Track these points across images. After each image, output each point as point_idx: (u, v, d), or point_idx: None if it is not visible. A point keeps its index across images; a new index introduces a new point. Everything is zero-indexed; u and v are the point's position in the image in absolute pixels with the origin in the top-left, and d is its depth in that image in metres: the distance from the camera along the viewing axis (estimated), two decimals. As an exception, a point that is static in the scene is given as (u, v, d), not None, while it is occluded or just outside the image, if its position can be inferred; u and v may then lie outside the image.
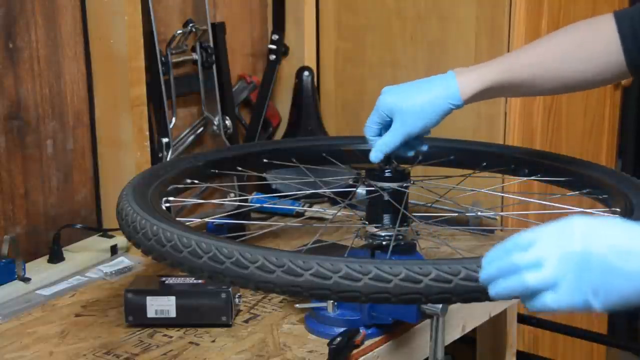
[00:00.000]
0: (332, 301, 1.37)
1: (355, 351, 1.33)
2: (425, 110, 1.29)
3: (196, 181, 1.50)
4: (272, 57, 2.06)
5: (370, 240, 1.36)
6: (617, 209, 1.30)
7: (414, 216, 1.38)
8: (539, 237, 0.90)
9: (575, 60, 1.28)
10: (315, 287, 1.02)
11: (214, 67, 1.90)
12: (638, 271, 0.85)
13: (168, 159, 1.80)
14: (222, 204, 1.88)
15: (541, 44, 1.32)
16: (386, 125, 1.34)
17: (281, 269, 1.02)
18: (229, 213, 1.83)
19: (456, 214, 1.62)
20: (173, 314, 1.41)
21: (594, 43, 1.28)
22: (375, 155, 1.34)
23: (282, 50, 2.07)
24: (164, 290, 1.43)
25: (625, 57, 1.26)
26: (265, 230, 1.71)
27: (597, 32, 1.29)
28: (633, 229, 0.88)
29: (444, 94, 1.29)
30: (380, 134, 1.34)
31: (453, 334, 1.54)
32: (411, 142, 1.34)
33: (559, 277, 0.87)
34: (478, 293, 1.02)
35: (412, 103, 1.30)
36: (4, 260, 1.54)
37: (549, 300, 0.88)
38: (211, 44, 1.89)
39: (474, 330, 1.73)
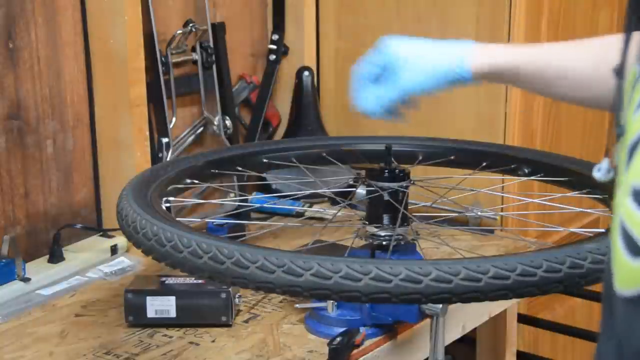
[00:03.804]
0: (332, 301, 1.37)
1: (355, 351, 1.33)
2: (430, 71, 1.18)
3: (196, 181, 1.50)
4: (272, 57, 2.06)
5: (370, 240, 1.36)
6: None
7: (414, 216, 1.38)
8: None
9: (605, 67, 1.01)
10: (315, 287, 1.02)
11: (214, 67, 1.90)
12: None
13: (168, 159, 1.80)
14: (222, 204, 1.88)
15: (576, 42, 1.15)
16: (379, 73, 1.23)
17: (281, 269, 1.02)
18: (229, 213, 1.83)
19: (456, 214, 1.62)
20: (173, 314, 1.41)
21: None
22: (373, 109, 1.23)
23: (282, 50, 2.07)
24: (164, 290, 1.43)
25: None
26: (266, 231, 1.71)
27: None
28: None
29: (454, 62, 1.17)
30: (372, 79, 1.24)
31: (453, 334, 1.54)
32: (401, 104, 1.23)
33: None
34: (478, 293, 1.02)
35: (420, 60, 1.18)
36: (4, 260, 1.54)
37: None
38: (211, 44, 1.89)
39: (474, 330, 1.73)
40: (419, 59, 1.19)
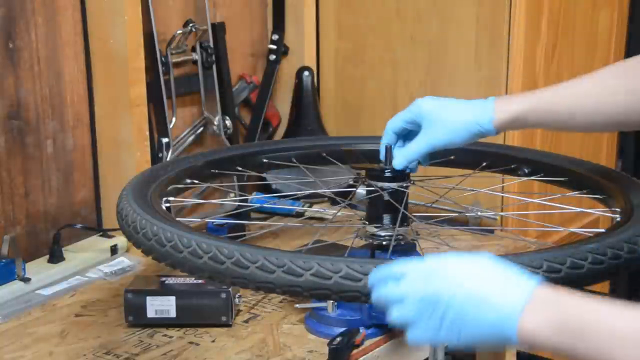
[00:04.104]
0: (332, 301, 1.37)
1: (355, 351, 1.33)
2: (455, 126, 1.28)
3: (196, 181, 1.50)
4: (272, 57, 2.06)
5: (370, 240, 1.36)
6: (617, 209, 1.30)
7: (414, 216, 1.38)
8: (407, 272, 0.95)
9: (621, 92, 1.22)
10: (315, 287, 1.02)
11: (214, 67, 1.90)
12: (487, 319, 0.88)
13: (168, 159, 1.80)
14: (222, 204, 1.88)
15: (587, 76, 1.27)
16: (409, 129, 1.33)
17: (282, 269, 1.02)
18: (229, 213, 1.83)
19: (456, 214, 1.62)
20: (173, 314, 1.41)
21: None
22: (399, 162, 1.33)
23: (282, 50, 2.07)
24: (164, 290, 1.43)
25: None
26: (266, 231, 1.71)
27: None
28: (495, 274, 0.91)
29: (478, 117, 1.28)
30: (401, 133, 1.35)
31: (453, 334, 1.54)
32: (431, 154, 1.34)
33: (416, 317, 0.93)
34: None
35: (447, 116, 1.29)
36: (4, 260, 1.54)
37: (410, 336, 0.94)
38: (211, 44, 1.89)
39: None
40: (444, 114, 1.29)
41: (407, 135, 1.35)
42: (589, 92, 1.24)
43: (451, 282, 0.91)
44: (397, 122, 1.34)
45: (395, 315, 0.95)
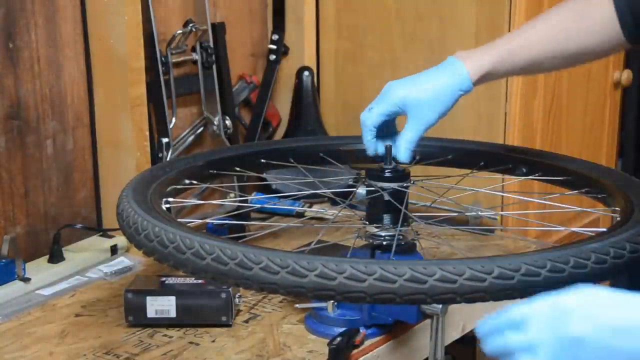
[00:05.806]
0: (332, 301, 1.37)
1: (355, 351, 1.33)
2: (439, 99, 1.30)
3: (195, 182, 1.49)
4: (272, 57, 2.06)
5: (371, 241, 1.36)
6: (617, 208, 1.30)
7: (414, 216, 1.38)
8: (532, 315, 0.86)
9: (577, 35, 1.30)
10: (319, 288, 1.02)
11: (214, 67, 1.90)
12: (636, 348, 0.81)
13: (168, 159, 1.80)
14: (222, 204, 1.88)
15: (542, 22, 1.33)
16: (392, 118, 1.34)
17: (285, 270, 1.02)
18: (229, 214, 1.83)
19: (456, 214, 1.62)
20: (173, 314, 1.41)
21: (593, 18, 1.29)
22: (405, 155, 1.33)
23: (282, 50, 2.07)
24: (164, 290, 1.42)
25: (622, 31, 1.28)
26: (267, 231, 1.71)
27: (594, 6, 1.30)
28: (630, 303, 0.83)
29: (454, 81, 1.30)
30: (381, 127, 1.34)
31: (453, 334, 1.54)
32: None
33: None
34: (482, 293, 1.02)
35: (427, 94, 1.30)
36: (4, 260, 1.54)
37: None
38: (211, 44, 1.89)
39: (474, 330, 1.73)
40: (423, 90, 1.30)
41: (383, 126, 1.35)
42: (544, 38, 1.31)
43: (593, 320, 0.82)
44: (378, 117, 1.33)
45: None
